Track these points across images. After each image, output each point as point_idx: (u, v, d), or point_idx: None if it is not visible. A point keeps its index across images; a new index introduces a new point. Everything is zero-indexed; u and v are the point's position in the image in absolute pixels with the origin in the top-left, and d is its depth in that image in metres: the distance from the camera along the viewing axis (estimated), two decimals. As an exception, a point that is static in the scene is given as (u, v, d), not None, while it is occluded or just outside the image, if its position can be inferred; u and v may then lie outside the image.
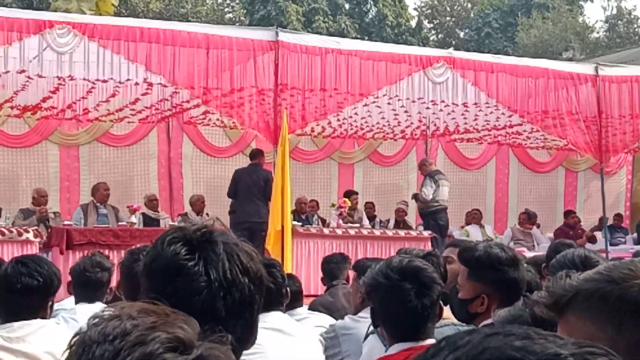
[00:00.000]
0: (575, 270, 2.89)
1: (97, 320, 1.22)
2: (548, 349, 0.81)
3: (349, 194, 14.85)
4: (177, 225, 1.55)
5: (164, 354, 1.09)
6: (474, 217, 16.02)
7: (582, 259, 3.47)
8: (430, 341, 2.96)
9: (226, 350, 1.18)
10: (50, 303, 3.51)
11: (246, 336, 1.72)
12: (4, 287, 3.38)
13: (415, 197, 13.90)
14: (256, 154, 12.05)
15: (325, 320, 5.32)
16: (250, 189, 11.48)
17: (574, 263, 3.30)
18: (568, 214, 16.18)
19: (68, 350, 1.21)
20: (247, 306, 1.68)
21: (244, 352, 3.77)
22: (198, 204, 13.78)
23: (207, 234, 1.67)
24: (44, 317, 3.45)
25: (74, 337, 1.22)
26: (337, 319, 5.25)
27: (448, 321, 4.11)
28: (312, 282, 10.33)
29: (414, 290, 2.88)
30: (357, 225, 13.39)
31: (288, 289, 4.32)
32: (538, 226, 16.20)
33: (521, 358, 0.79)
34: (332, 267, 6.63)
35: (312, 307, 6.06)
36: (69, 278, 5.11)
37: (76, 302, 4.87)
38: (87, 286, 4.78)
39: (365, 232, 12.83)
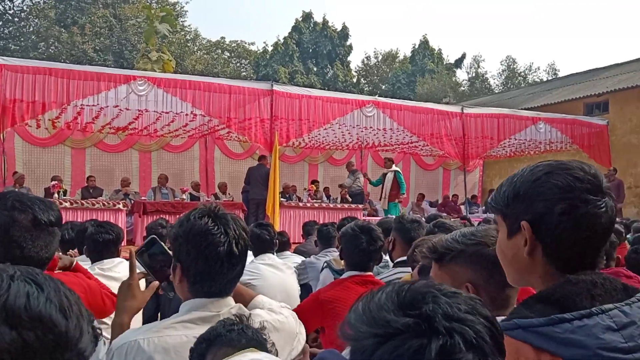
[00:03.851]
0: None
1: None
2: (452, 290, 0.78)
3: (314, 182, 14.87)
4: (199, 206, 1.55)
5: None
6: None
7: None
8: (369, 273, 2.98)
9: None
10: (120, 248, 3.46)
11: (244, 266, 1.71)
12: (91, 240, 3.33)
13: (341, 185, 13.98)
14: (262, 158, 11.91)
15: (300, 259, 5.33)
16: (257, 179, 11.33)
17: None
18: (453, 196, 16.59)
19: None
20: (247, 250, 1.68)
21: (251, 274, 3.74)
22: (223, 187, 13.65)
23: (218, 209, 1.65)
24: (118, 256, 3.40)
25: None
26: (309, 257, 5.27)
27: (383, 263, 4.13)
28: (292, 235, 10.29)
29: (365, 240, 2.89)
30: (319, 201, 13.38)
31: (277, 241, 4.31)
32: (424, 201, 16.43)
33: (442, 289, 0.77)
34: (308, 228, 6.69)
35: (296, 250, 6.10)
36: (145, 232, 5.10)
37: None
38: (154, 237, 4.74)
39: (324, 205, 12.79)
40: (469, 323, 0.73)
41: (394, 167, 12.41)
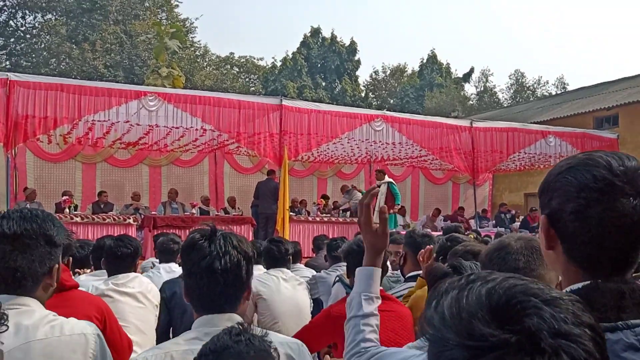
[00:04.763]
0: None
1: None
2: (552, 294, 0.70)
3: (324, 196, 14.85)
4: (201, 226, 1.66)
5: None
6: (399, 210, 16.02)
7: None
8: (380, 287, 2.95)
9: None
10: (137, 262, 3.49)
11: (240, 284, 1.69)
12: (110, 254, 3.35)
13: (336, 206, 14.13)
14: (270, 172, 11.97)
15: (311, 272, 5.32)
16: (266, 193, 11.40)
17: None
18: (459, 209, 16.37)
19: None
20: (237, 266, 1.67)
21: (267, 283, 3.77)
22: (232, 202, 13.69)
23: (213, 228, 1.72)
24: (134, 271, 3.43)
25: None
26: (319, 272, 5.24)
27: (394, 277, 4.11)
28: (301, 249, 10.26)
29: None
30: (329, 215, 13.37)
31: (290, 257, 4.32)
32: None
33: (540, 294, 0.69)
34: (318, 242, 6.67)
35: (307, 264, 6.09)
36: (154, 247, 5.08)
37: (159, 262, 4.81)
38: (165, 252, 4.68)
39: (333, 219, 12.80)
40: (576, 338, 0.66)
41: (386, 179, 12.24)
